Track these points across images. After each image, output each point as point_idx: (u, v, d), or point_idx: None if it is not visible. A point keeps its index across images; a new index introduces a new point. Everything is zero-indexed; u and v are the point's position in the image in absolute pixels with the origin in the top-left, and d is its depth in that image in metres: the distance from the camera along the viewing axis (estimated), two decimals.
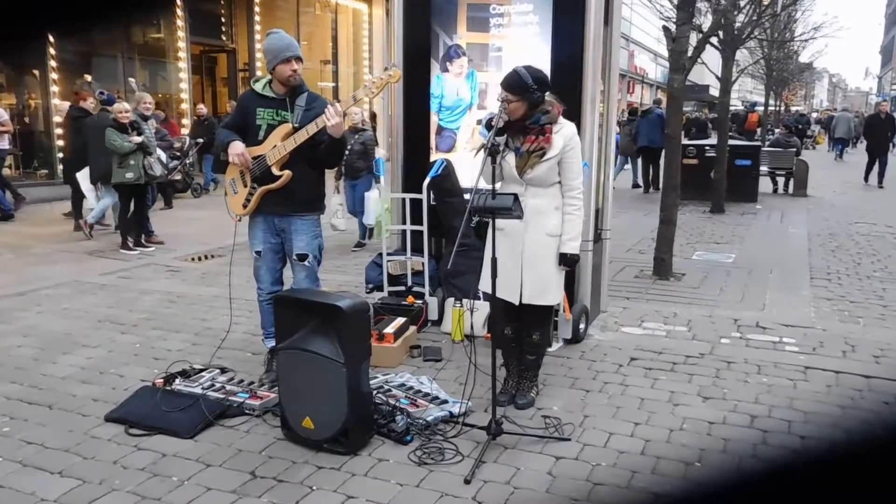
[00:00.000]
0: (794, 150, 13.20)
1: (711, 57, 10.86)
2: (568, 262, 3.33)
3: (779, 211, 10.69)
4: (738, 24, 9.93)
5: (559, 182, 3.30)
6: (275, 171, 3.57)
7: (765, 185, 12.51)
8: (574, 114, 4.34)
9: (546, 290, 3.35)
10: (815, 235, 8.53)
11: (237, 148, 3.58)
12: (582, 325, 4.39)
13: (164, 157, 7.69)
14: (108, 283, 5.98)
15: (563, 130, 3.26)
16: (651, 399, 3.55)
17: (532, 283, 3.31)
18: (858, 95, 73.20)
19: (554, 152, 3.22)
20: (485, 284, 3.29)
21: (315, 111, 3.53)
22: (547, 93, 3.25)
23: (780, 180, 12.98)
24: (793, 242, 8.12)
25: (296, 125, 3.54)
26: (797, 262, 7.01)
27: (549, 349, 4.19)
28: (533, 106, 3.20)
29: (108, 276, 6.26)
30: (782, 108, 30.02)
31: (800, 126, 22.70)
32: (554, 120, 3.24)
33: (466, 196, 3.66)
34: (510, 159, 3.27)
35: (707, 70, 12.16)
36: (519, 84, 3.15)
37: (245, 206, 3.68)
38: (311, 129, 3.46)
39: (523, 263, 3.30)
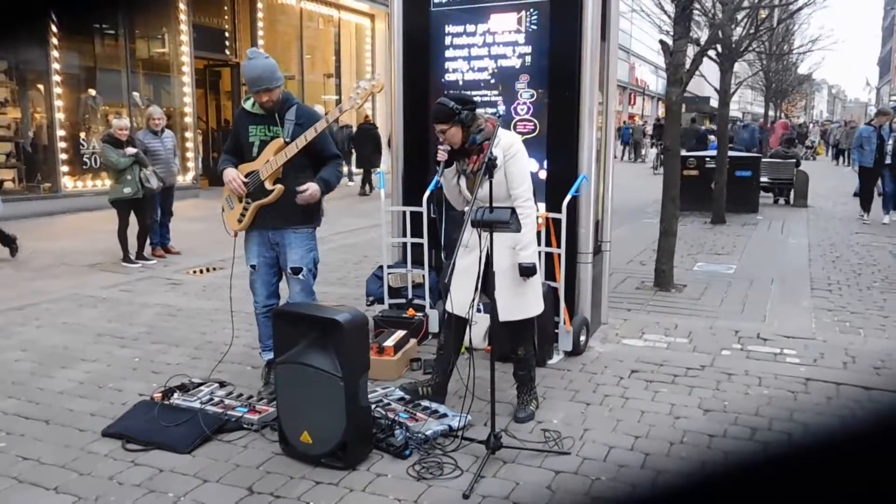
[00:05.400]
0: (794, 160, 13.21)
1: (711, 69, 10.91)
2: (524, 273, 3.31)
3: (779, 221, 10.69)
4: (735, 38, 9.98)
5: None
6: (267, 185, 3.60)
7: (765, 195, 12.52)
8: (572, 127, 4.38)
9: (522, 302, 3.35)
10: (815, 246, 8.52)
11: (229, 175, 3.66)
12: (582, 338, 4.38)
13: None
14: (109, 297, 5.98)
15: (501, 142, 3.26)
16: (651, 412, 3.53)
17: (506, 299, 3.28)
18: (857, 106, 73.36)
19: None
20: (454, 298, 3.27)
21: (305, 125, 3.57)
22: (476, 110, 3.32)
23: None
24: (793, 253, 8.11)
25: (287, 139, 3.57)
26: (798, 272, 7.00)
27: (550, 361, 4.19)
28: (466, 127, 3.27)
29: (109, 289, 6.27)
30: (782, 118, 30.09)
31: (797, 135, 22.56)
32: (488, 135, 3.27)
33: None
34: (463, 182, 3.37)
35: (707, 82, 12.21)
36: (443, 111, 3.25)
37: (240, 222, 3.71)
38: (301, 142, 3.51)
39: (494, 281, 3.29)
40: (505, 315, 3.30)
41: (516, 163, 3.28)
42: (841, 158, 23.47)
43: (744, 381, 3.94)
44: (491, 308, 3.22)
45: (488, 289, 3.23)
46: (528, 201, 3.32)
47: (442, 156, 3.28)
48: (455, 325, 3.44)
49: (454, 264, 3.24)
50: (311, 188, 3.56)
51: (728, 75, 10.26)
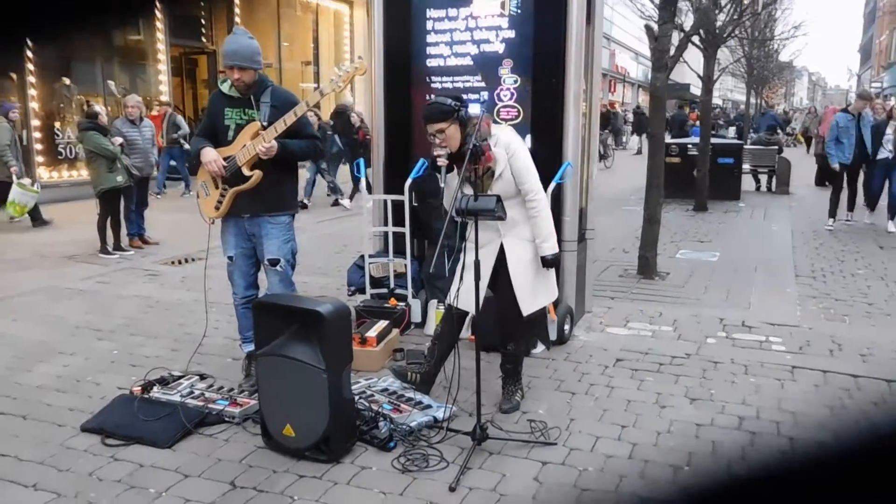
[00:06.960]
0: (777, 147, 13.29)
1: (693, 56, 10.90)
2: (550, 264, 3.30)
3: (762, 209, 10.74)
4: (719, 23, 9.96)
5: None
6: (245, 171, 3.49)
7: (747, 182, 12.58)
8: (556, 113, 4.33)
9: (538, 294, 3.34)
10: (798, 233, 8.56)
11: (209, 155, 3.49)
12: (567, 326, 4.36)
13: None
14: (86, 289, 5.86)
15: (500, 140, 3.20)
16: (638, 401, 3.51)
17: (525, 293, 3.28)
18: (838, 93, 74.06)
19: (501, 166, 3.19)
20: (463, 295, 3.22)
21: (281, 107, 3.47)
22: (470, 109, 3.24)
23: (763, 178, 13.06)
24: (776, 240, 8.15)
25: (264, 123, 3.47)
26: (781, 260, 7.03)
27: (535, 351, 4.16)
28: (464, 125, 3.15)
29: (87, 281, 6.14)
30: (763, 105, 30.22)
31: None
32: (486, 135, 3.17)
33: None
34: (468, 189, 3.21)
35: (688, 68, 12.20)
36: (441, 110, 3.13)
37: (217, 209, 3.61)
38: (280, 126, 3.40)
39: (511, 276, 3.27)
40: (527, 309, 3.29)
41: (518, 157, 3.23)
42: (811, 145, 23.61)
43: (730, 370, 3.94)
44: (476, 300, 3.17)
45: (496, 284, 3.24)
46: (539, 193, 3.28)
47: (443, 161, 3.10)
48: (454, 319, 3.38)
49: (437, 254, 3.20)
50: (272, 144, 3.40)
51: (712, 61, 10.25)
